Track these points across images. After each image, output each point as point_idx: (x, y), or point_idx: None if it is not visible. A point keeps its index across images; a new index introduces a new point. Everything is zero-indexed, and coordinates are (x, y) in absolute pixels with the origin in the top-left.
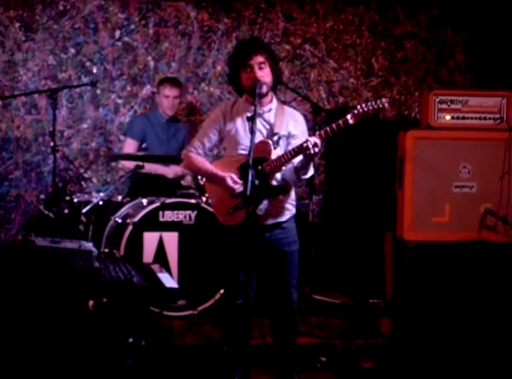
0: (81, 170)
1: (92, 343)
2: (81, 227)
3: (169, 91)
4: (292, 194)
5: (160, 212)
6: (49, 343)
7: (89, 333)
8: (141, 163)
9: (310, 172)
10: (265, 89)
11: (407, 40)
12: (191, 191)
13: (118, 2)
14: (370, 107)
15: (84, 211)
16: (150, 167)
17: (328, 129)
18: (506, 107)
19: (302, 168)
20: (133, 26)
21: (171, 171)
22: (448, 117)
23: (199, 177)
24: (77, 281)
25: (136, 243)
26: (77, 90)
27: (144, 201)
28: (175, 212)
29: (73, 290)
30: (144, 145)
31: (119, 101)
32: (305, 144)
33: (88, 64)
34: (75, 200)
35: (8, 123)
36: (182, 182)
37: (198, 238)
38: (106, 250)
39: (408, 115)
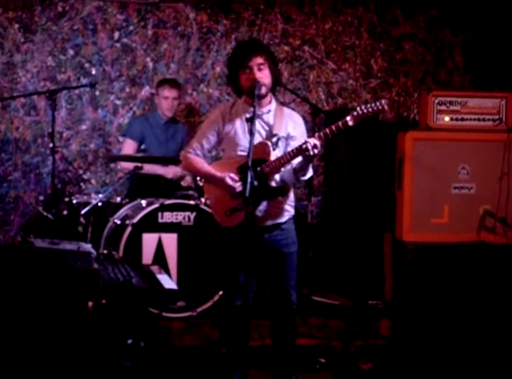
0: (80, 172)
1: (91, 345)
2: (80, 228)
3: (168, 93)
4: (291, 195)
5: (159, 213)
6: (48, 345)
7: (88, 334)
8: (139, 165)
9: (309, 173)
10: (264, 90)
11: (406, 42)
12: (190, 192)
13: (117, 4)
14: (370, 109)
15: (83, 212)
16: (149, 168)
17: (327, 130)
18: (504, 108)
19: (301, 169)
20: (132, 27)
21: (170, 172)
22: (447, 118)
23: (198, 178)
24: (76, 282)
25: (135, 244)
26: (76, 91)
27: (143, 202)
28: (174, 213)
29: (72, 291)
30: (142, 146)
31: (118, 102)
32: (304, 146)
33: (87, 65)
34: (74, 201)
35: (7, 124)
36: (182, 183)
37: (197, 239)
38: (105, 251)
39: (407, 116)
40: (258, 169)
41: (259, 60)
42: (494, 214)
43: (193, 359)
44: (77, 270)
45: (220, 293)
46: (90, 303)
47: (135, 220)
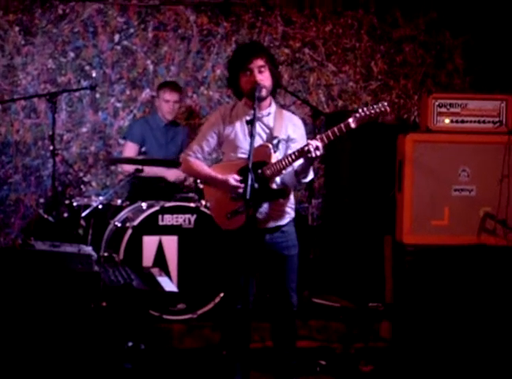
0: (81, 174)
1: (91, 347)
2: (81, 230)
3: (169, 96)
4: (291, 198)
5: (160, 216)
6: (49, 347)
7: (89, 337)
8: (140, 167)
9: (310, 176)
10: (264, 93)
11: (406, 44)
12: (190, 195)
13: (118, 6)
14: (372, 111)
15: (83, 215)
16: (150, 170)
17: (329, 132)
18: (505, 111)
19: (302, 172)
20: (132, 30)
21: (172, 174)
22: (447, 120)
23: (198, 180)
24: (77, 285)
25: (135, 247)
26: (77, 94)
27: (144, 205)
28: (175, 215)
29: (72, 294)
30: (143, 149)
31: (118, 105)
32: (306, 148)
33: (87, 68)
34: (74, 203)
35: (7, 127)
36: (186, 183)
37: (198, 241)
38: (105, 254)
39: (407, 119)
40: (259, 171)
41: (260, 62)
42: (494, 216)
43: (194, 362)
44: (78, 273)
45: (221, 295)
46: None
47: (135, 223)
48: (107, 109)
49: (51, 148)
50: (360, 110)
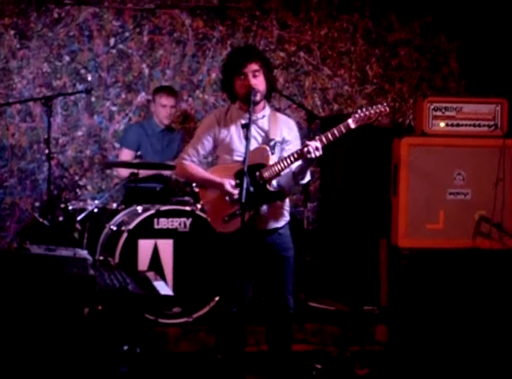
0: (76, 178)
1: (87, 351)
2: (76, 234)
3: (166, 101)
4: (287, 201)
5: (155, 220)
6: (44, 351)
7: (84, 341)
8: (135, 171)
9: (308, 177)
10: (258, 97)
11: (401, 47)
12: (186, 198)
13: (113, 10)
14: (372, 111)
15: (79, 218)
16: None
17: (329, 133)
18: (500, 114)
19: (300, 173)
20: (127, 33)
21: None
22: (442, 124)
23: (194, 184)
24: (72, 289)
25: (131, 251)
26: (72, 97)
27: (139, 209)
28: (170, 219)
29: (68, 297)
30: (139, 153)
31: (114, 108)
32: (306, 149)
33: (82, 71)
34: (70, 207)
35: (3, 131)
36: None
37: (193, 245)
38: (101, 258)
39: (402, 122)
40: (257, 173)
41: (254, 67)
42: (489, 219)
43: (189, 365)
44: (73, 276)
45: (216, 299)
46: (86, 309)
47: (131, 226)
48: (102, 112)
49: (47, 151)
50: (359, 111)
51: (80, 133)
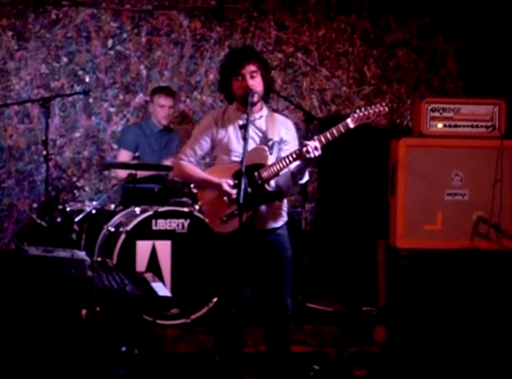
0: (74, 179)
1: (85, 352)
2: (74, 235)
3: (164, 101)
4: (285, 201)
5: (153, 221)
6: (42, 353)
7: (82, 342)
8: (133, 172)
9: (306, 177)
10: (256, 98)
11: (399, 48)
12: (184, 199)
13: (111, 11)
14: (371, 111)
15: (76, 219)
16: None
17: (328, 133)
18: (498, 115)
19: (299, 173)
20: (125, 35)
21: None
22: (440, 125)
23: (192, 185)
24: (70, 290)
25: (129, 252)
26: (70, 99)
27: (137, 210)
28: (168, 220)
29: (65, 299)
30: (136, 154)
31: (112, 110)
32: (305, 149)
33: (80, 73)
34: (68, 208)
35: (0, 132)
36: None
37: (191, 246)
38: (99, 259)
39: (400, 123)
40: (256, 174)
41: (252, 67)
42: (487, 220)
43: (188, 366)
44: (71, 278)
45: (214, 300)
46: (84, 311)
47: (129, 228)
48: (100, 114)
49: (44, 152)
50: (358, 111)
51: (78, 135)
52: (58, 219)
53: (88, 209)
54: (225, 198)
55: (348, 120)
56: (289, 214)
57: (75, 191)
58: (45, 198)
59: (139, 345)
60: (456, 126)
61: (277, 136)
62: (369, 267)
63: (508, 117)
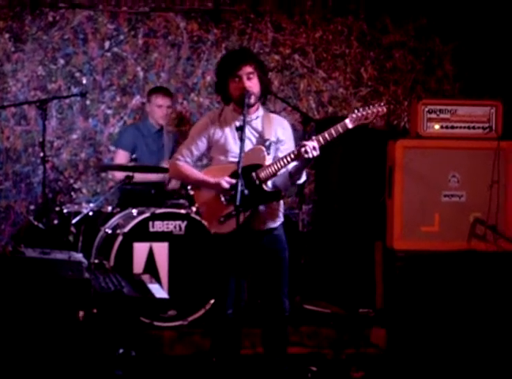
0: (71, 181)
1: (82, 354)
2: (71, 237)
3: (162, 101)
4: (281, 201)
5: (150, 223)
6: (39, 355)
7: (80, 344)
8: (130, 174)
9: (304, 177)
10: (253, 99)
11: (396, 50)
12: (181, 201)
13: (108, 13)
14: (369, 111)
15: (73, 221)
16: (139, 176)
17: (326, 133)
18: (494, 116)
19: (296, 173)
20: (122, 37)
21: (159, 176)
22: (437, 126)
23: (188, 186)
24: (67, 292)
25: (126, 254)
26: (67, 101)
27: (134, 212)
28: (165, 222)
29: (63, 301)
30: (134, 156)
31: (109, 112)
32: (303, 149)
33: (77, 74)
34: (65, 210)
35: None
36: (168, 186)
37: (188, 248)
38: (96, 261)
39: (397, 125)
40: (253, 174)
41: (248, 69)
42: (484, 222)
43: (185, 368)
44: (68, 280)
45: (212, 302)
46: (81, 313)
47: (126, 229)
48: (97, 116)
49: (42, 154)
50: (357, 111)
51: (75, 137)
52: (55, 221)
53: (85, 211)
54: (222, 198)
55: (347, 120)
56: (286, 215)
57: (72, 193)
58: (42, 200)
59: (136, 347)
60: (453, 128)
61: (274, 136)
62: (366, 268)
63: (505, 118)
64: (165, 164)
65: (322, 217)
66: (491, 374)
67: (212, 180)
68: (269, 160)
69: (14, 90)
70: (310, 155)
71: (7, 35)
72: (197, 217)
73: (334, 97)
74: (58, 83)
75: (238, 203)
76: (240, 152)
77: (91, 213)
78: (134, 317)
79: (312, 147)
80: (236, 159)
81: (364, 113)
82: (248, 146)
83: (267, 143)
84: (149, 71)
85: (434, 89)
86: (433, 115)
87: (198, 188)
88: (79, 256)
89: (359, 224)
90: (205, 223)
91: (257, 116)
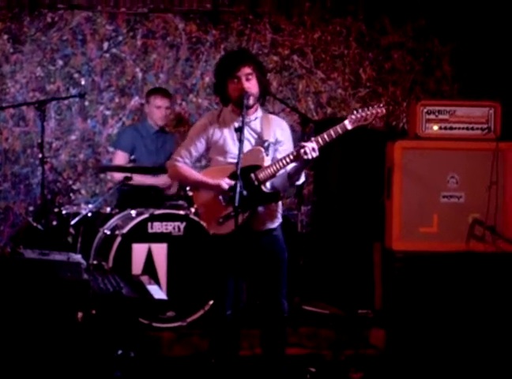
0: (70, 182)
1: (81, 355)
2: (70, 238)
3: (161, 102)
4: (280, 203)
5: (149, 224)
6: (38, 356)
7: (78, 345)
8: (129, 175)
9: (302, 178)
10: (252, 101)
11: (394, 51)
12: (180, 202)
13: (106, 14)
14: (369, 112)
15: (72, 223)
16: (139, 179)
17: (325, 134)
18: (493, 117)
19: (295, 174)
20: (121, 38)
21: (160, 180)
22: (436, 127)
23: (187, 188)
24: (66, 293)
25: (125, 255)
26: (66, 102)
27: (133, 213)
28: (164, 223)
29: (61, 302)
30: (132, 157)
31: (107, 113)
32: (302, 150)
33: (76, 76)
34: (64, 211)
35: None
36: (169, 192)
37: (187, 249)
38: (95, 262)
39: (396, 126)
40: (252, 175)
41: (247, 70)
42: (483, 223)
43: (183, 369)
44: (67, 281)
45: (210, 303)
46: (80, 314)
47: (125, 230)
48: (95, 117)
49: (40, 155)
50: (356, 112)
51: (73, 138)
52: (54, 223)
53: (83, 212)
54: (221, 199)
55: (346, 121)
56: (285, 216)
57: (71, 194)
58: (41, 201)
59: (135, 348)
60: (451, 129)
61: (273, 137)
62: (365, 269)
63: (503, 119)
64: None
65: (321, 218)
66: (491, 374)
67: (211, 181)
68: (267, 161)
69: (13, 91)
70: (310, 157)
71: (6, 37)
72: (196, 218)
73: (333, 98)
74: (57, 84)
75: (237, 204)
76: (239, 153)
77: (90, 214)
78: (133, 318)
79: (311, 148)
80: (235, 160)
81: (363, 114)
82: (247, 147)
83: (266, 144)
84: (148, 72)
85: (433, 90)
86: (432, 116)
87: (197, 189)
88: (78, 257)
89: (357, 225)
90: (203, 224)
91: (255, 117)
